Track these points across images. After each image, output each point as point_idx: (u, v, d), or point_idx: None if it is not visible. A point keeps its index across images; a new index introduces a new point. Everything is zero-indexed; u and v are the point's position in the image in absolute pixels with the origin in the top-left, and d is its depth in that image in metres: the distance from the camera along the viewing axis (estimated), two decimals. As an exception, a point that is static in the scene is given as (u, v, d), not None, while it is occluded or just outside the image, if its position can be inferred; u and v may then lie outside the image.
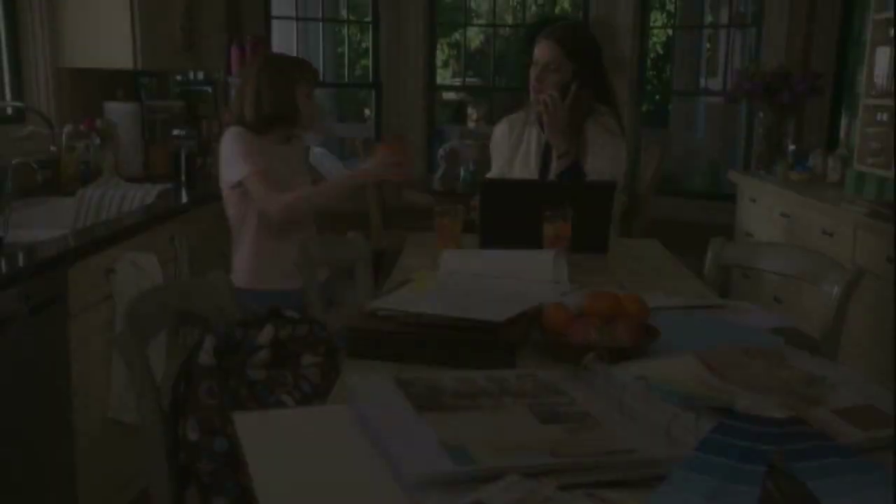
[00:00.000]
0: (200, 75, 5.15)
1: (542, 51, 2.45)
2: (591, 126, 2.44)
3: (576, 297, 1.56)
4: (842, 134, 4.22)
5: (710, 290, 1.95)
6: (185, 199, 3.21)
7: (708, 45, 7.00)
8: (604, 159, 2.41)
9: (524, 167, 2.55)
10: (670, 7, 8.92)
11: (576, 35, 2.47)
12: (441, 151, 5.18)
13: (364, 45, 6.35)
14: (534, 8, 8.38)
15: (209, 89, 5.05)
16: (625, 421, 1.05)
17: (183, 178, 3.49)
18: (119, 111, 3.50)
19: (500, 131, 2.65)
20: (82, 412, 2.23)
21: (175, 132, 3.52)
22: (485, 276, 1.62)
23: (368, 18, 6.06)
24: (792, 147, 4.25)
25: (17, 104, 3.19)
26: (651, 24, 6.17)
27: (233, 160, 2.48)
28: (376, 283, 2.28)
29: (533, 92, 2.46)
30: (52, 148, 2.84)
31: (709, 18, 6.86)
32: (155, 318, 1.29)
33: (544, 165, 2.50)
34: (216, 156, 3.28)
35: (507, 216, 2.19)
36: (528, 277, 1.59)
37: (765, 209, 4.17)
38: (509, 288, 1.54)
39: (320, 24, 6.42)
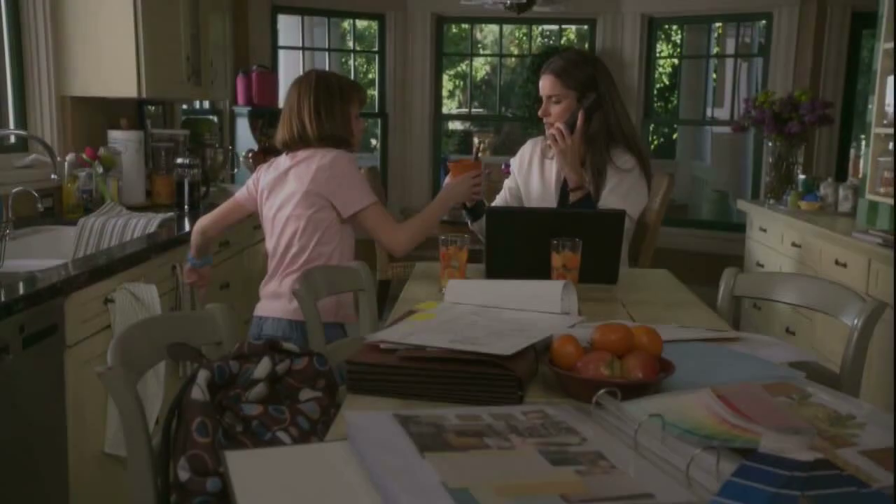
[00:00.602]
0: (206, 104, 5.16)
1: (542, 84, 2.46)
2: (609, 160, 2.41)
3: (586, 330, 1.50)
4: (851, 163, 4.17)
5: (724, 322, 1.89)
6: (187, 228, 3.17)
7: (714, 76, 6.99)
8: (616, 196, 2.38)
9: (543, 199, 2.52)
10: (676, 38, 8.97)
11: (572, 64, 2.43)
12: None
13: (371, 75, 6.35)
14: (539, 39, 8.42)
15: (215, 118, 5.05)
16: (640, 462, 0.99)
17: (186, 207, 3.46)
18: (122, 140, 3.48)
19: (524, 151, 2.66)
20: (77, 446, 2.17)
21: (179, 161, 3.49)
22: (491, 307, 1.56)
23: (375, 48, 6.07)
24: (802, 176, 4.20)
25: (20, 132, 3.17)
26: (658, 55, 6.16)
27: (355, 186, 2.29)
28: (381, 314, 2.23)
29: (546, 127, 2.48)
30: (54, 176, 2.81)
31: (715, 49, 6.86)
32: (146, 352, 1.23)
33: (563, 197, 2.47)
34: (219, 184, 3.32)
35: (513, 245, 2.14)
36: (535, 309, 1.53)
37: (775, 239, 4.11)
38: (516, 320, 1.48)
39: (326, 53, 6.43)
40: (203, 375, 1.15)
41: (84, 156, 3.23)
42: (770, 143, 4.40)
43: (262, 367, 1.24)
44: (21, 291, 1.91)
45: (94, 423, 2.26)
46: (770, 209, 4.23)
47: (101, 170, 3.27)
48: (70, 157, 3.19)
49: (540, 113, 2.47)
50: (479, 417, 1.12)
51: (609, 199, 2.39)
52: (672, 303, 2.04)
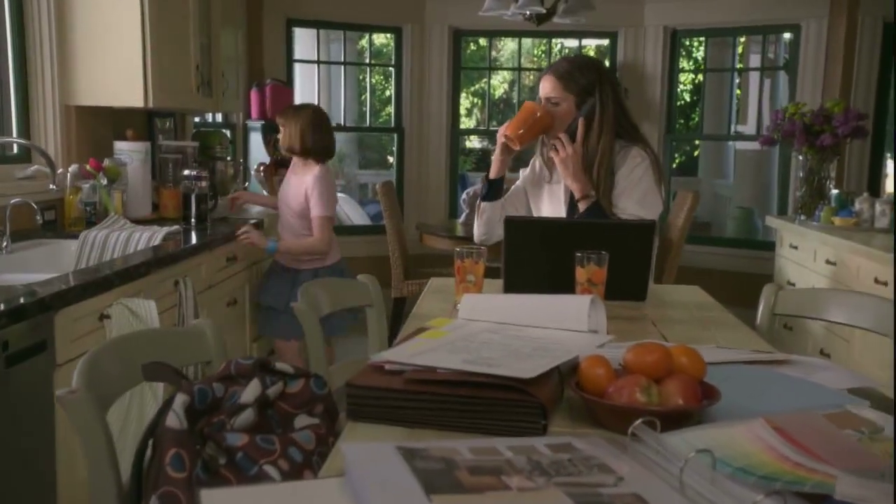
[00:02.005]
0: (219, 118, 5.06)
1: (542, 86, 2.34)
2: (619, 164, 2.26)
3: (616, 350, 1.35)
4: (885, 176, 3.99)
5: (765, 342, 1.72)
6: (193, 241, 3.04)
7: (737, 92, 6.83)
8: (631, 200, 2.23)
9: (552, 209, 2.39)
10: (696, 55, 8.82)
11: (575, 67, 2.30)
12: (464, 196, 5.02)
13: (388, 93, 6.24)
14: (558, 58, 8.29)
15: (227, 131, 4.95)
16: (688, 508, 0.83)
17: (193, 220, 3.33)
18: (128, 151, 3.37)
19: (534, 161, 2.52)
20: (66, 473, 2.02)
21: (186, 173, 3.37)
22: (510, 324, 1.41)
23: (391, 63, 5.97)
24: (835, 191, 4.02)
25: (20, 141, 3.06)
26: (680, 69, 6.00)
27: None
28: (393, 334, 2.09)
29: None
30: (52, 187, 2.70)
31: (738, 65, 6.70)
32: (120, 374, 1.09)
33: (572, 207, 2.32)
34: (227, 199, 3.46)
35: (534, 258, 1.99)
36: (560, 326, 1.37)
37: (807, 256, 3.93)
38: (538, 338, 1.33)
39: (342, 68, 6.33)
40: (181, 400, 1.00)
41: (88, 167, 3.11)
42: (801, 157, 4.22)
43: (251, 391, 1.09)
44: (4, 306, 1.78)
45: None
46: (801, 225, 4.05)
47: (105, 181, 3.15)
48: (73, 168, 3.08)
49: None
50: (497, 451, 0.97)
51: (624, 203, 2.23)
52: (707, 321, 1.88)
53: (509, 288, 2.01)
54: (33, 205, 2.73)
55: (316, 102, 6.26)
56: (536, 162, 2.49)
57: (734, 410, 1.15)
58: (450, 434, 1.09)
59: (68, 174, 3.06)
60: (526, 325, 1.40)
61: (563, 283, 1.89)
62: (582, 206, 2.25)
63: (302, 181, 3.40)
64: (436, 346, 1.26)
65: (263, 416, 1.11)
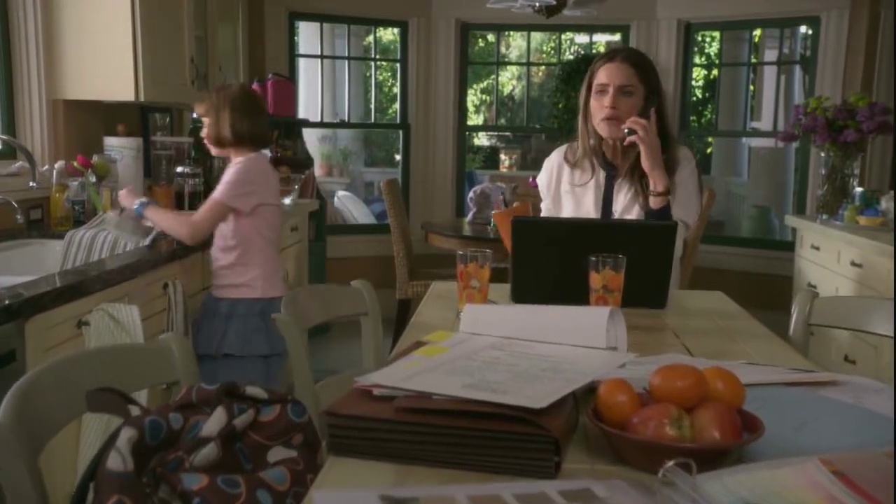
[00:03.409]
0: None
1: (613, 72, 2.11)
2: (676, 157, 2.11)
3: (638, 369, 1.19)
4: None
5: (801, 356, 1.55)
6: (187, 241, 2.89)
7: (752, 88, 6.64)
8: (678, 203, 2.07)
9: (578, 207, 2.20)
10: (709, 50, 8.63)
11: (646, 59, 2.16)
12: (471, 194, 4.85)
13: (395, 90, 6.09)
14: (567, 54, 8.11)
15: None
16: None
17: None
18: (119, 147, 3.22)
19: (550, 164, 2.32)
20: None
21: (179, 169, 3.22)
22: (517, 340, 1.25)
23: (396, 57, 5.81)
24: (859, 189, 3.84)
25: (-1, 137, 2.92)
26: (694, 64, 5.81)
27: None
28: (397, 337, 1.94)
29: (601, 118, 2.13)
30: (32, 185, 2.55)
31: (752, 60, 6.52)
32: (60, 404, 0.93)
33: (606, 205, 2.15)
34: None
35: (544, 263, 1.83)
36: (574, 343, 1.21)
37: (830, 258, 3.75)
38: (549, 357, 1.17)
39: (346, 62, 6.18)
40: (126, 436, 0.85)
41: (75, 163, 2.97)
42: (823, 154, 4.03)
43: (214, 421, 0.93)
44: (-35, 313, 1.64)
45: (63, 472, 1.96)
46: (823, 225, 3.87)
47: (93, 179, 3.01)
48: (59, 164, 2.94)
49: (607, 104, 2.10)
50: (500, 499, 0.81)
51: (673, 207, 2.07)
52: (734, 332, 1.71)
53: (517, 294, 1.85)
54: (14, 203, 2.59)
55: (320, 99, 6.13)
56: (553, 163, 2.31)
57: (777, 444, 0.99)
58: (446, 472, 0.93)
59: (54, 171, 2.91)
60: (535, 340, 1.24)
61: (575, 290, 1.73)
62: (657, 203, 2.03)
63: None
64: (433, 365, 1.11)
65: (230, 451, 0.95)
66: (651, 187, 2.04)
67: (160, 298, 2.55)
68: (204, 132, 2.71)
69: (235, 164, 2.64)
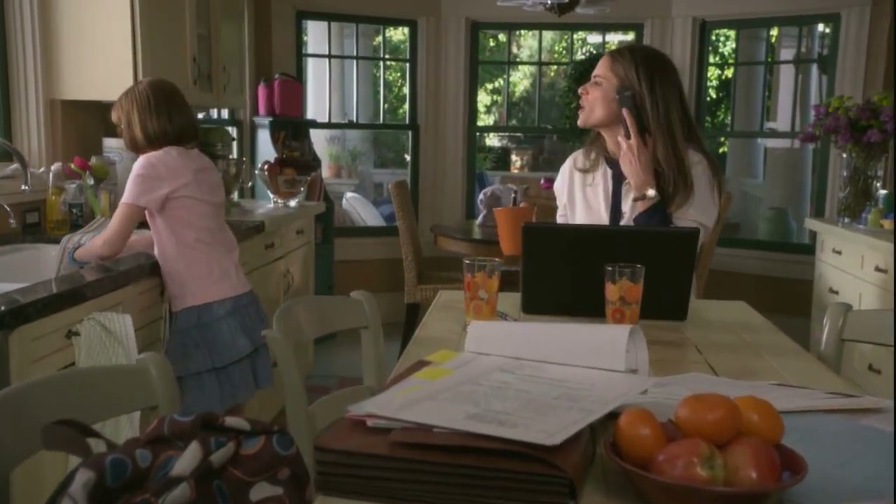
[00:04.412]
0: (225, 114, 4.83)
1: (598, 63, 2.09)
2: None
3: (661, 391, 1.08)
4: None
5: (835, 375, 1.44)
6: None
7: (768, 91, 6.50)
8: (694, 208, 1.95)
9: (589, 209, 2.10)
10: (724, 50, 8.48)
11: (629, 51, 2.05)
12: (481, 196, 4.75)
13: (404, 90, 5.99)
14: (579, 54, 7.99)
15: (233, 128, 4.72)
16: None
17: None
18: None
19: (563, 171, 2.24)
20: (25, 512, 1.78)
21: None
22: (527, 361, 1.14)
23: (406, 56, 5.71)
24: (883, 191, 3.71)
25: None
26: (710, 62, 5.68)
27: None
28: (406, 342, 1.83)
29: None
30: (25, 188, 2.46)
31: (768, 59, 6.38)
32: (13, 440, 0.83)
33: (615, 210, 2.04)
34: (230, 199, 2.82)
35: (556, 272, 1.72)
36: (590, 364, 1.10)
37: (853, 263, 3.62)
38: (563, 381, 1.06)
39: (355, 62, 6.08)
40: (82, 480, 0.75)
41: (72, 165, 2.88)
42: (845, 155, 3.90)
43: (187, 458, 0.83)
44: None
45: (48, 486, 1.86)
46: (845, 228, 3.74)
47: (91, 181, 2.92)
48: (55, 166, 2.85)
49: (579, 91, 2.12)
50: (509, 555, 0.71)
51: (689, 211, 1.96)
52: (760, 346, 1.60)
53: (528, 305, 1.74)
54: (6, 207, 2.50)
55: (327, 98, 6.04)
56: (566, 169, 2.21)
57: (820, 485, 0.88)
58: (448, 517, 0.82)
59: (50, 173, 2.82)
60: (547, 361, 1.13)
61: (590, 301, 1.62)
62: (639, 208, 1.94)
63: None
64: (434, 391, 1.00)
65: (206, 490, 0.85)
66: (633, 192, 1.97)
67: (156, 306, 2.46)
68: (124, 139, 2.49)
69: (138, 161, 2.40)
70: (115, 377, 1.03)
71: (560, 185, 2.21)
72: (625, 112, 1.96)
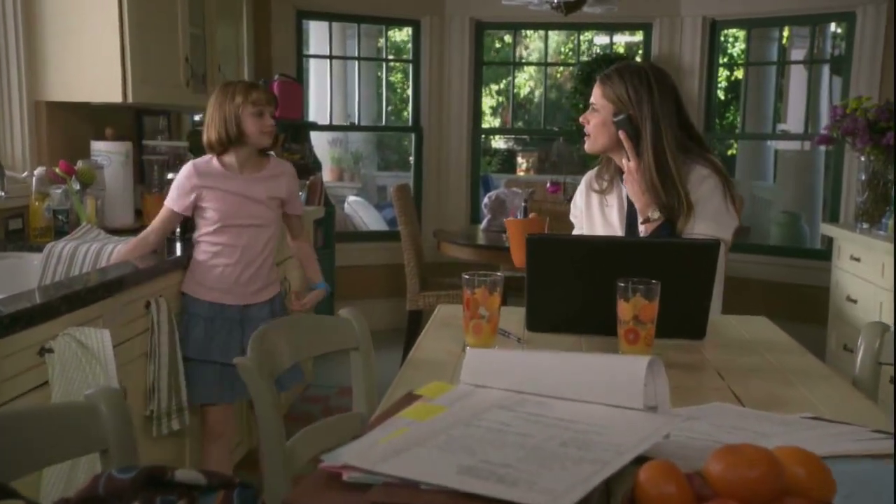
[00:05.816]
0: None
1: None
2: (688, 177, 1.90)
3: (687, 435, 0.94)
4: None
5: (873, 404, 1.30)
6: (178, 252, 2.67)
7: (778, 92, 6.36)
8: (701, 221, 1.87)
9: (606, 224, 2.05)
10: (733, 51, 8.33)
11: (617, 73, 2.00)
12: (485, 200, 4.61)
13: (407, 92, 5.86)
14: (585, 55, 7.86)
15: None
16: None
17: (178, 229, 2.96)
18: (106, 152, 3.00)
19: (580, 190, 2.19)
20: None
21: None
22: (529, 397, 1.01)
23: (409, 57, 5.58)
24: (902, 196, 3.57)
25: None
26: (719, 63, 5.53)
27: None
28: (407, 351, 1.71)
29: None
30: (1, 193, 2.34)
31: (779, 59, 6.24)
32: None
33: (631, 221, 1.97)
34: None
35: (564, 288, 1.59)
36: (603, 401, 0.97)
37: (872, 270, 3.48)
38: (572, 421, 0.92)
39: (356, 63, 5.95)
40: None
41: (57, 170, 2.75)
42: (863, 158, 3.76)
43: (127, 524, 0.70)
44: None
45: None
46: (864, 234, 3.60)
47: (77, 186, 2.79)
48: (38, 171, 2.73)
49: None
50: None
51: (694, 224, 1.86)
52: (787, 370, 1.46)
53: (533, 322, 1.61)
54: (-18, 214, 2.38)
55: (329, 101, 5.92)
56: (581, 189, 2.17)
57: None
58: None
59: (33, 178, 2.70)
60: (553, 396, 1.00)
61: (600, 319, 1.49)
62: (643, 231, 1.89)
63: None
64: (423, 435, 0.87)
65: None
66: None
67: (142, 319, 2.33)
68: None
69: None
70: (59, 417, 0.89)
71: (577, 202, 2.17)
72: (622, 135, 1.93)
